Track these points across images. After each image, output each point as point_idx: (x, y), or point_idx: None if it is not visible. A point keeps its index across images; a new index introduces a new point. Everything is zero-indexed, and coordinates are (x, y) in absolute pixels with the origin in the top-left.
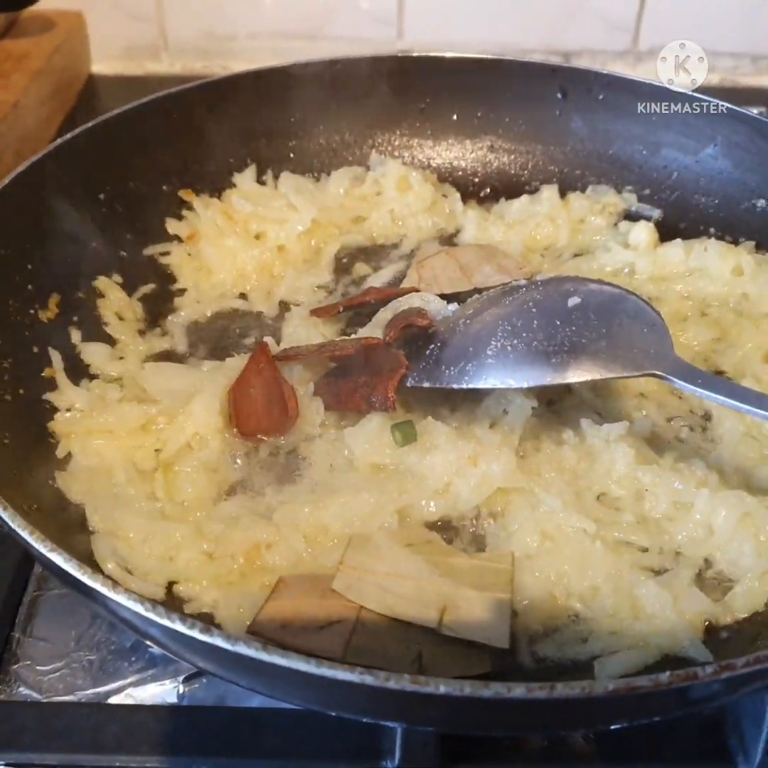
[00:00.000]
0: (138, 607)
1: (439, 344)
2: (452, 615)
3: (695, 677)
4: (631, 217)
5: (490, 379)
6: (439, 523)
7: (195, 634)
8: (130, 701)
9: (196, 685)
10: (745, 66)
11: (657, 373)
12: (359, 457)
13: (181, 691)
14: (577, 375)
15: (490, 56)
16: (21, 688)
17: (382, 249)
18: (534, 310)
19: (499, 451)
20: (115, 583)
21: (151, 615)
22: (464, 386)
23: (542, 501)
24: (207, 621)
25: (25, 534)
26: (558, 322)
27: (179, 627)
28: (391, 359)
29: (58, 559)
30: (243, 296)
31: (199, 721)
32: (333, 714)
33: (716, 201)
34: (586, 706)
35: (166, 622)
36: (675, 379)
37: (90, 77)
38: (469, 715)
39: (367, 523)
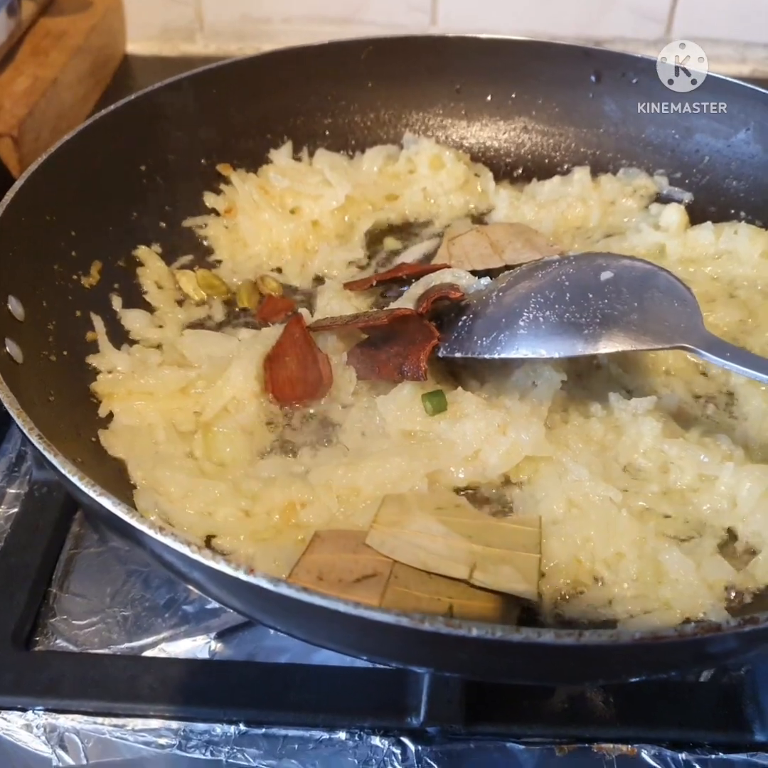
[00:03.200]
0: (185, 549)
1: (471, 316)
2: (482, 569)
3: (718, 629)
4: (662, 200)
5: (522, 349)
6: (467, 490)
7: (239, 575)
8: (163, 655)
9: (227, 642)
10: None
11: (687, 346)
12: (391, 424)
13: (212, 647)
14: (608, 346)
15: (525, 38)
16: (58, 641)
17: (414, 226)
18: (567, 283)
19: (528, 421)
20: (161, 527)
21: (197, 557)
22: (496, 356)
23: (569, 470)
24: None
25: (75, 479)
26: (590, 295)
27: (224, 568)
28: (423, 330)
29: (107, 503)
30: (278, 269)
31: (230, 675)
32: (364, 658)
33: (747, 185)
34: (611, 655)
35: (211, 563)
36: (704, 352)
37: (125, 57)
38: (496, 661)
39: (398, 486)
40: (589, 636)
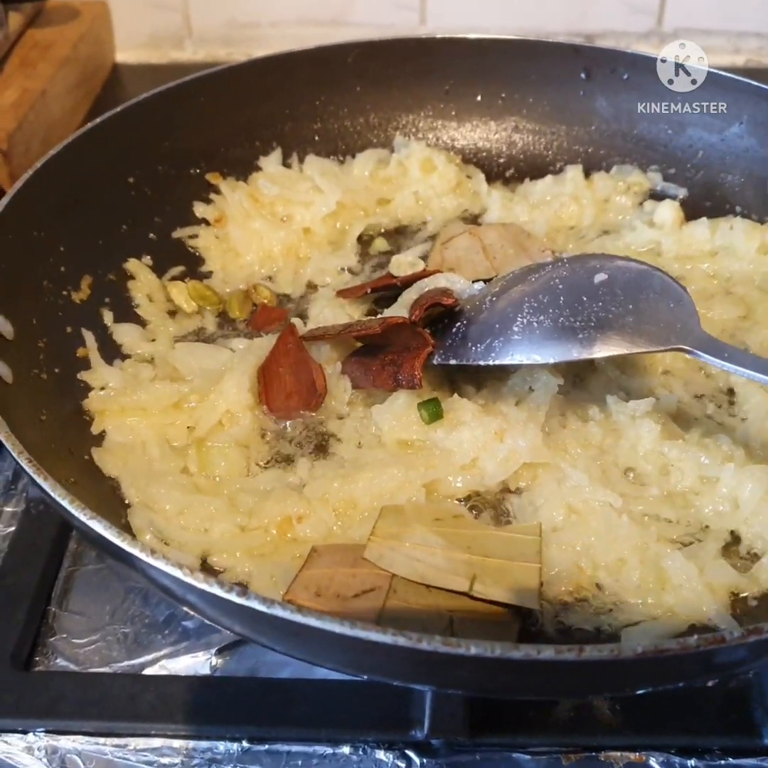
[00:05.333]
0: (177, 572)
1: (465, 322)
2: (482, 581)
3: (722, 641)
4: (657, 196)
5: (516, 355)
6: (466, 498)
7: (232, 597)
8: (164, 672)
9: (228, 657)
10: None
11: (683, 347)
12: (387, 434)
13: (213, 663)
14: (603, 350)
15: (513, 37)
16: (58, 660)
17: (407, 230)
18: (560, 286)
19: (524, 427)
20: (153, 550)
21: (189, 579)
22: (491, 363)
23: (568, 476)
24: None
25: (65, 503)
26: (584, 298)
27: (217, 591)
28: (417, 338)
29: (97, 526)
30: (270, 278)
31: (231, 691)
32: (365, 678)
33: (742, 179)
34: (614, 669)
35: (204, 586)
36: (701, 353)
37: (114, 66)
38: (498, 678)
39: (395, 498)
40: (590, 651)
